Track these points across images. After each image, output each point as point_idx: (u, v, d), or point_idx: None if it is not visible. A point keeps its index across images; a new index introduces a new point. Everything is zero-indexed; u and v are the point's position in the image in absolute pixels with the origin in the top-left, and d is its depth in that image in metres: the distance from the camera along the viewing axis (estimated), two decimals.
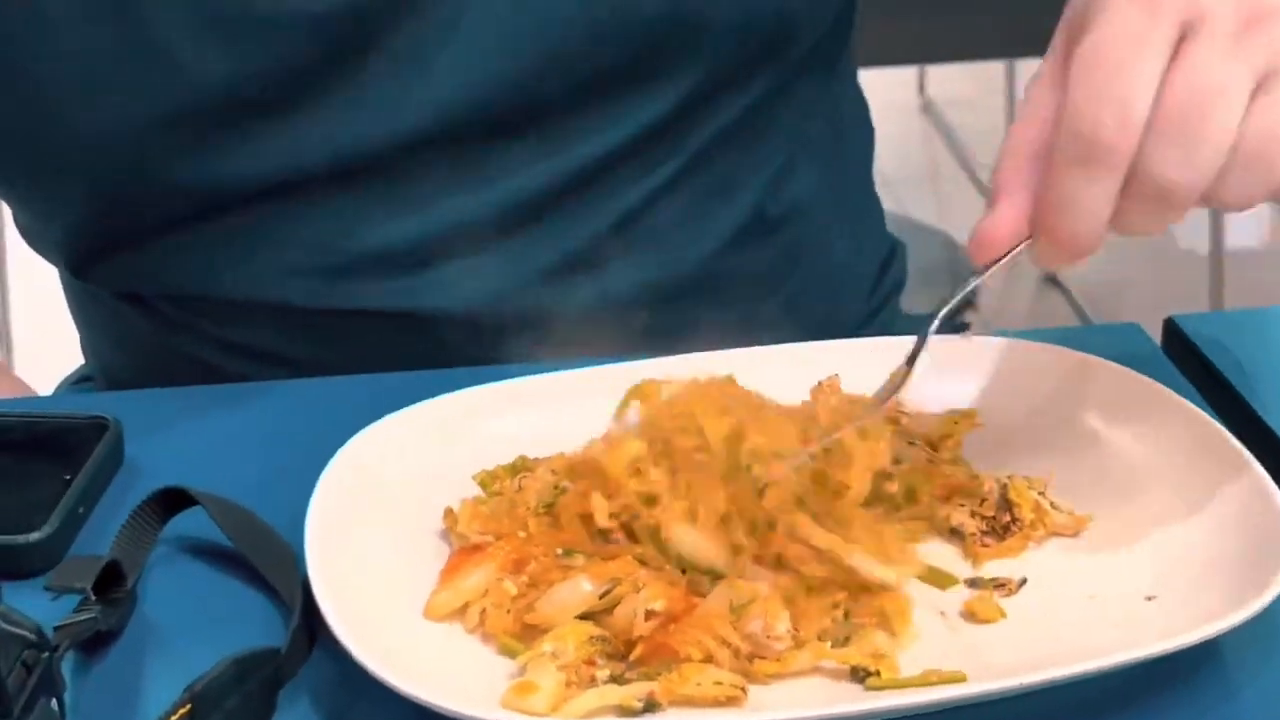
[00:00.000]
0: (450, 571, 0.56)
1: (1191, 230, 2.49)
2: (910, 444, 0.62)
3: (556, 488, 0.58)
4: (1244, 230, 2.67)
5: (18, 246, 0.87)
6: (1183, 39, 0.52)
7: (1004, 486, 0.59)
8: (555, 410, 0.64)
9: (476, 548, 0.56)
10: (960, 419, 0.63)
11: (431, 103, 0.73)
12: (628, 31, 0.74)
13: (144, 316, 0.82)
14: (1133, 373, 0.63)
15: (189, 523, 0.59)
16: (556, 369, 0.67)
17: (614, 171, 0.77)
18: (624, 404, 0.62)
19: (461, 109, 0.74)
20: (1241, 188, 0.54)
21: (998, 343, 0.68)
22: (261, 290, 0.78)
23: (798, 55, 0.80)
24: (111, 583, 0.54)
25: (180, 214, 0.76)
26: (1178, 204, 0.53)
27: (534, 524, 0.57)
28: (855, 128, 0.92)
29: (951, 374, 0.65)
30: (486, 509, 0.58)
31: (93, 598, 0.52)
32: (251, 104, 0.73)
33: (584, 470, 0.58)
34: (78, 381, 0.98)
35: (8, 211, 0.85)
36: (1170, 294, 2.46)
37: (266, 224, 0.76)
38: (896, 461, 0.59)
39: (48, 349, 1.25)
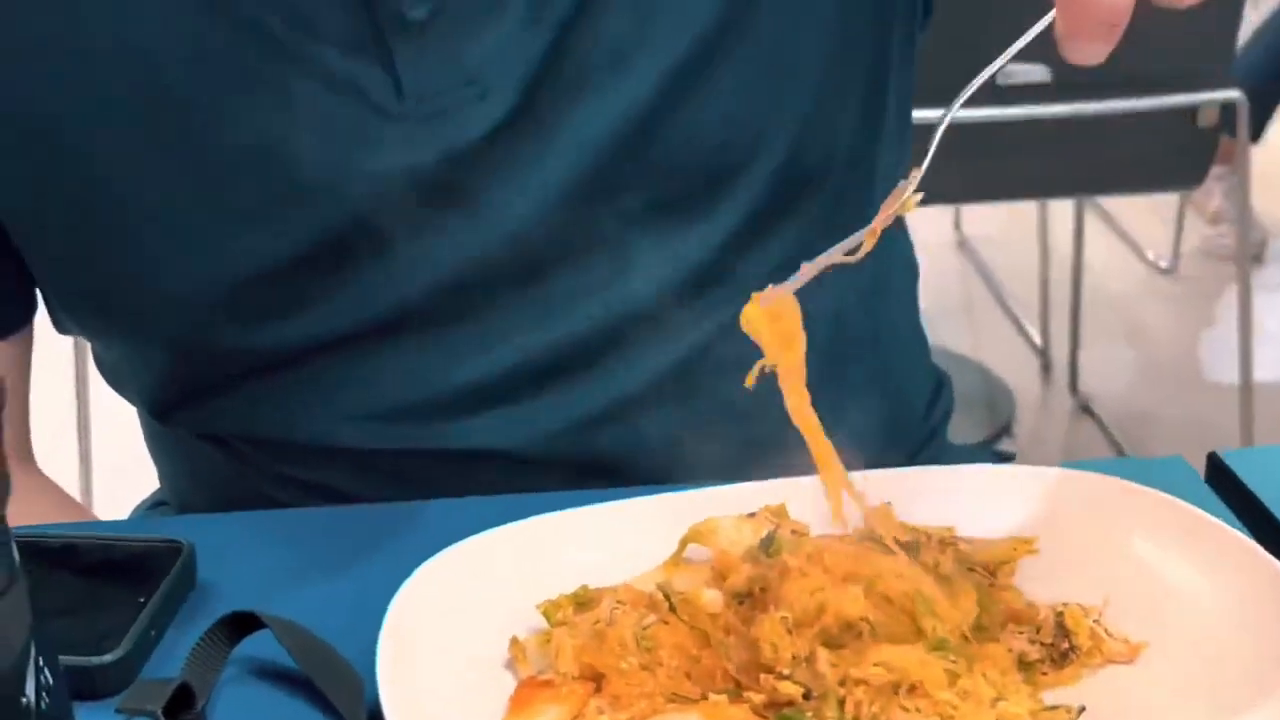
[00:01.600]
0: (519, 705, 0.54)
1: (1220, 363, 2.48)
2: (970, 570, 0.60)
3: (645, 626, 0.56)
4: (1272, 364, 2.65)
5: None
6: None
7: (1059, 614, 0.58)
8: (614, 540, 0.62)
9: (546, 682, 0.55)
10: (1018, 545, 0.62)
11: (500, 246, 0.73)
12: (679, 166, 0.74)
13: (218, 454, 0.82)
14: (1182, 503, 0.62)
15: (258, 646, 0.58)
16: (612, 498, 0.66)
17: (666, 314, 0.76)
18: (683, 543, 0.61)
19: (517, 249, 0.73)
20: None
21: (1046, 472, 0.66)
22: (329, 435, 0.77)
23: (833, 194, 0.80)
24: (182, 705, 0.53)
25: (252, 365, 0.76)
26: None
27: (635, 659, 0.55)
28: (903, 264, 0.92)
29: (1003, 502, 0.64)
30: (577, 643, 0.56)
31: None
32: (326, 262, 0.73)
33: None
34: (153, 506, 0.98)
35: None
36: (1201, 426, 2.44)
37: (333, 373, 0.76)
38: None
39: (126, 473, 1.24)
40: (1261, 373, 2.34)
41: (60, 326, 0.82)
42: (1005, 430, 2.46)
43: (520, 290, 0.75)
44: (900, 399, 0.90)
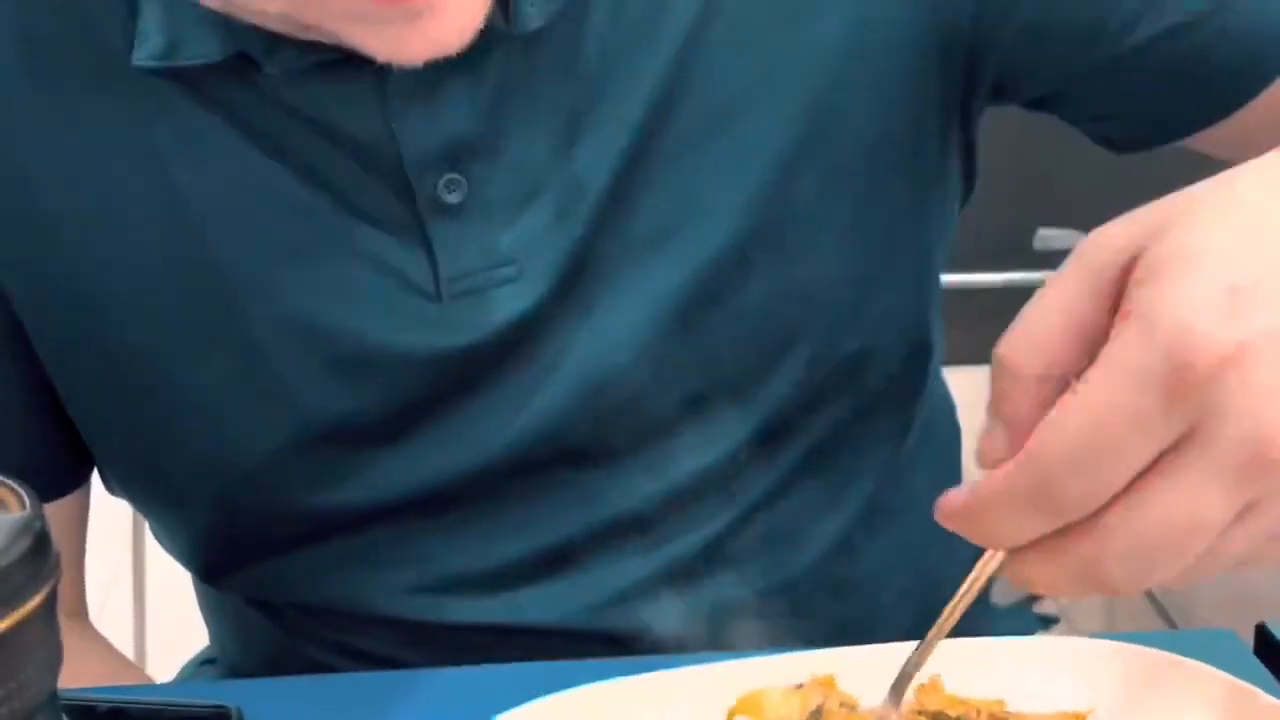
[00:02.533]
0: None
1: None
2: None
3: None
4: None
5: None
6: (1186, 435, 0.43)
7: None
8: (664, 709, 0.60)
9: None
10: (1070, 719, 0.60)
11: (533, 432, 0.73)
12: (718, 357, 0.73)
13: (267, 618, 0.81)
14: (1231, 678, 0.59)
15: None
16: (661, 667, 0.64)
17: (707, 492, 0.75)
18: (731, 715, 0.59)
19: (560, 437, 0.73)
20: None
21: (1099, 644, 0.64)
22: (381, 604, 0.77)
23: (878, 380, 0.79)
24: None
25: (296, 534, 0.76)
26: (1104, 592, 0.46)
27: None
28: (946, 426, 0.90)
29: (1054, 674, 0.62)
30: None
31: None
32: (363, 435, 0.73)
33: None
34: (203, 663, 0.97)
35: None
36: (1248, 595, 2.39)
37: (377, 544, 0.76)
38: None
39: (180, 627, 1.23)
40: None
41: (109, 488, 0.82)
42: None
43: (564, 473, 0.74)
44: (944, 561, 0.88)
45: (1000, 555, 0.49)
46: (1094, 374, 0.44)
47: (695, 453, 0.75)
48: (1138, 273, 0.44)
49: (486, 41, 0.66)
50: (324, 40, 0.64)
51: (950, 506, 0.47)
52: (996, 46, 0.74)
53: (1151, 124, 0.78)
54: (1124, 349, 0.43)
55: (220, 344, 0.71)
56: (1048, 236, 2.07)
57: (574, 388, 0.72)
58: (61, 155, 0.69)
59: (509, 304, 0.71)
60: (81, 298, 0.71)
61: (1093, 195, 2.06)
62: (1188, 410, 0.42)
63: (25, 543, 0.36)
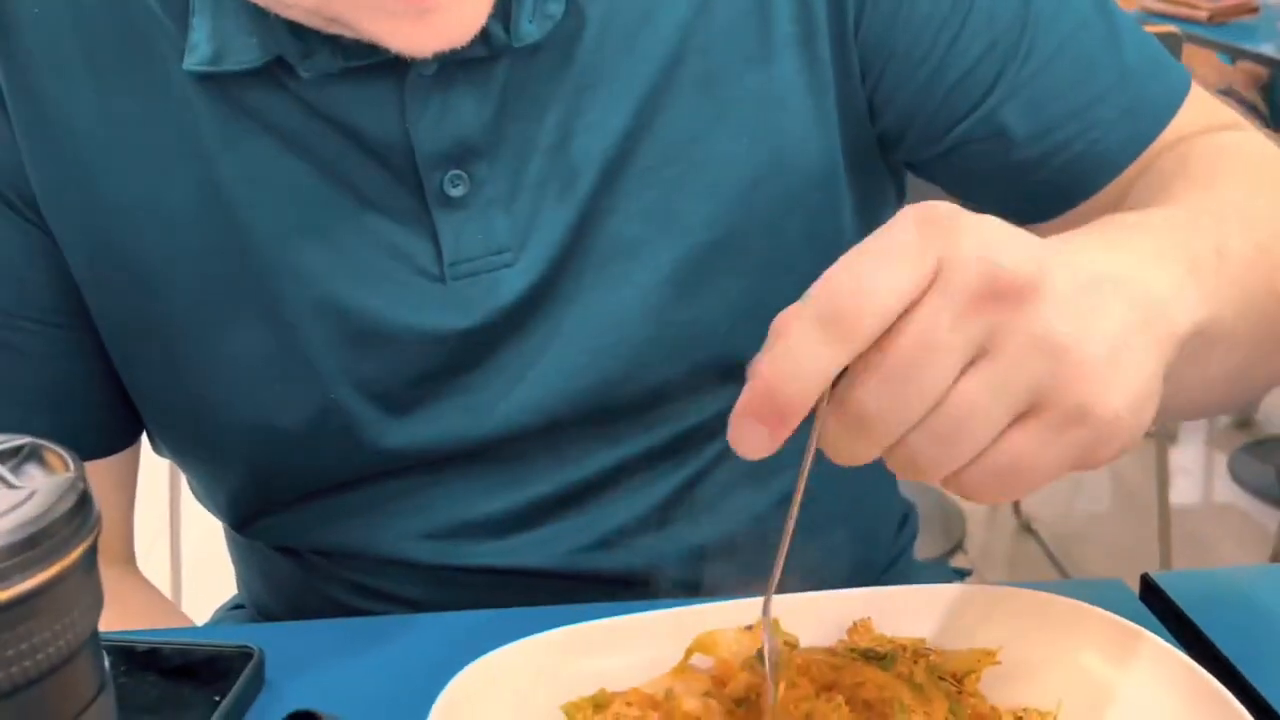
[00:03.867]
0: None
1: (1142, 489, 2.46)
2: (940, 678, 0.58)
3: None
4: (1189, 491, 2.64)
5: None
6: (936, 271, 0.44)
7: (1019, 718, 0.55)
8: (631, 649, 0.60)
9: None
10: (982, 656, 0.59)
11: (531, 402, 0.72)
12: (692, 353, 0.73)
13: (293, 564, 0.80)
14: (1125, 621, 0.59)
15: None
16: (632, 611, 0.64)
17: (685, 450, 0.75)
18: (689, 653, 0.59)
19: (555, 408, 0.73)
20: (937, 460, 0.45)
21: (1007, 591, 0.64)
22: (393, 549, 0.76)
23: None
24: None
25: (317, 487, 0.75)
26: (872, 438, 0.45)
27: None
28: None
29: (969, 618, 0.61)
30: None
31: None
32: (379, 402, 0.72)
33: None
34: (232, 609, 0.96)
35: None
36: (1126, 544, 2.41)
37: (397, 496, 0.75)
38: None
39: (212, 573, 1.23)
40: (1178, 498, 2.32)
41: (155, 448, 0.81)
42: (958, 547, 2.43)
43: (557, 437, 0.73)
44: (872, 525, 0.88)
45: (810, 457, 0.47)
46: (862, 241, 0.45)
47: (683, 415, 0.75)
48: None
49: (492, 53, 0.66)
50: (347, 35, 0.63)
51: (746, 391, 0.46)
52: (880, 104, 0.74)
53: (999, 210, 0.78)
54: (885, 227, 0.45)
55: (255, 319, 0.70)
56: None
57: (565, 365, 0.72)
58: (119, 151, 0.68)
59: (505, 287, 0.70)
60: (135, 277, 0.70)
61: None
62: (936, 244, 0.43)
63: (70, 501, 0.35)
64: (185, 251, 0.70)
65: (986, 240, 0.44)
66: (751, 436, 0.45)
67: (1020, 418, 0.44)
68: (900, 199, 0.82)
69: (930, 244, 0.43)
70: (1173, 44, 1.94)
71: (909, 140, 0.75)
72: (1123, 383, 0.44)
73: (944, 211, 0.44)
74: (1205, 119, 0.74)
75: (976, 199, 0.77)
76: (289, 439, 0.73)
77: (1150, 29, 2.17)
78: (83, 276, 0.71)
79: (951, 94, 0.71)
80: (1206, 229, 0.56)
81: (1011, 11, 0.71)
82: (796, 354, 0.44)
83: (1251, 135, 0.74)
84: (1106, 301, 0.45)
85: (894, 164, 0.80)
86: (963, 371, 0.44)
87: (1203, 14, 2.49)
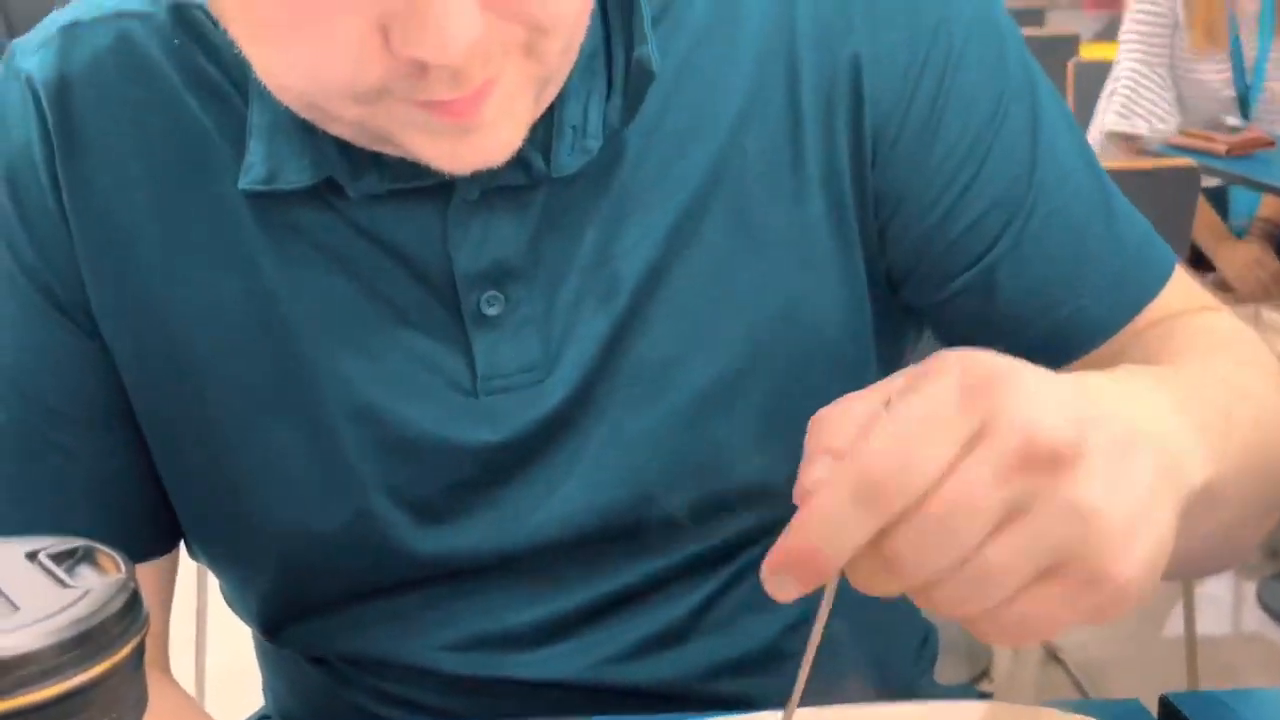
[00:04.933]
0: None
1: (1170, 616, 2.43)
2: None
3: None
4: (1217, 619, 2.60)
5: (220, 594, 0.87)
6: (978, 435, 0.44)
7: None
8: None
9: None
10: None
11: (560, 517, 0.73)
12: (717, 474, 0.74)
13: (321, 672, 0.81)
14: None
15: None
16: None
17: (705, 569, 0.76)
18: None
19: (583, 523, 0.74)
20: (956, 604, 0.45)
21: (1028, 710, 0.64)
22: (421, 658, 0.77)
23: None
24: None
25: (347, 594, 0.76)
26: (900, 580, 0.45)
27: None
28: None
29: None
30: None
31: None
32: (414, 509, 0.73)
33: None
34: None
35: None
36: (1153, 671, 2.37)
37: (427, 605, 0.76)
38: None
39: (238, 685, 1.22)
40: (1204, 627, 2.28)
41: (191, 553, 0.82)
42: (984, 674, 2.39)
43: (578, 553, 0.74)
44: (891, 646, 0.88)
45: (834, 586, 0.47)
46: (902, 398, 0.46)
47: (698, 538, 0.75)
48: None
49: (533, 181, 0.69)
50: (392, 153, 0.65)
51: (779, 546, 0.45)
52: (888, 244, 0.75)
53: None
54: (924, 381, 0.45)
55: (295, 424, 0.72)
56: None
57: (593, 481, 0.73)
58: (173, 262, 0.71)
59: (536, 403, 0.72)
60: (182, 381, 0.72)
61: None
62: (979, 409, 0.44)
63: (120, 600, 0.37)
64: (232, 357, 0.72)
65: (1030, 402, 0.44)
66: (784, 587, 0.46)
67: (1041, 574, 0.45)
68: (920, 329, 0.84)
69: (975, 407, 0.44)
70: (1190, 178, 1.98)
71: (911, 284, 0.76)
72: (1142, 548, 0.45)
73: (988, 371, 0.45)
74: (1187, 298, 0.77)
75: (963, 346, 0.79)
76: (323, 543, 0.74)
77: (1168, 162, 2.21)
78: (132, 380, 0.73)
79: (956, 244, 0.74)
80: (1213, 393, 0.59)
81: (1018, 171, 0.73)
82: (832, 521, 0.44)
83: (1229, 317, 0.77)
84: (1136, 463, 0.46)
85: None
86: (995, 527, 0.45)
87: (1220, 148, 2.52)
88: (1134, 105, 2.84)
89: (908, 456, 0.44)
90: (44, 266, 0.71)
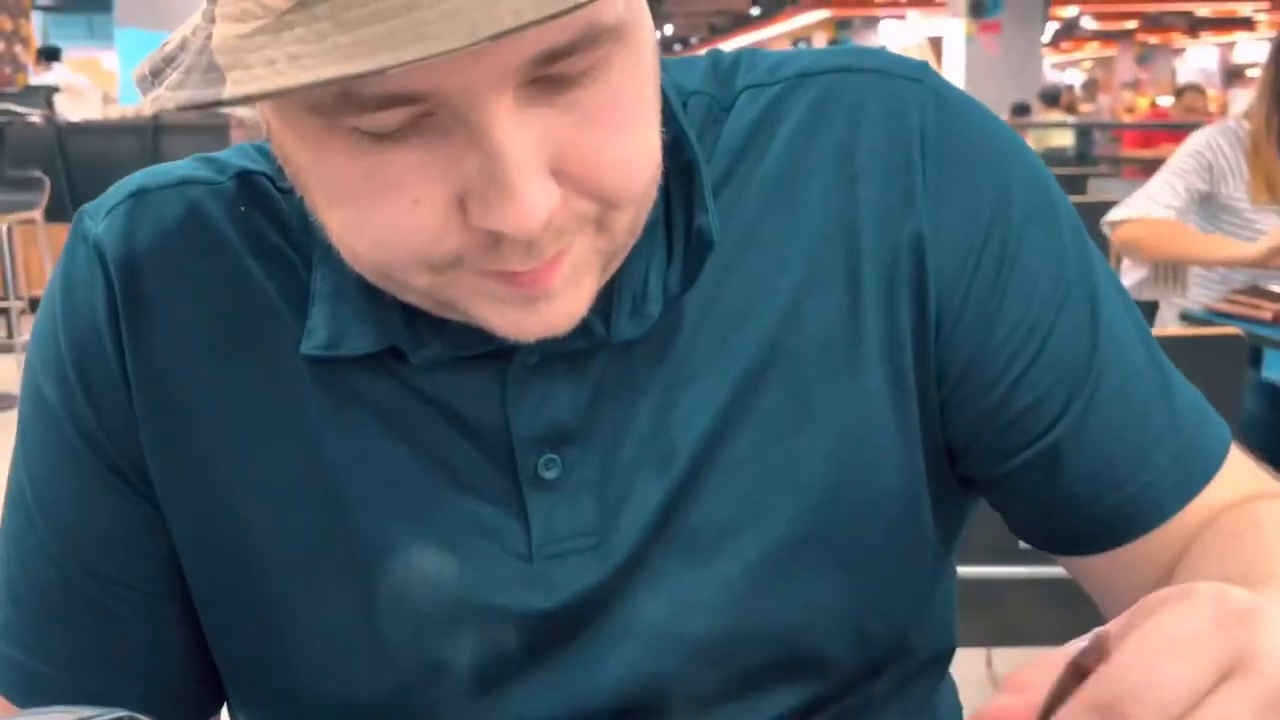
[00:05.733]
0: None
1: None
2: None
3: None
4: None
5: None
6: (1234, 668, 0.44)
7: None
8: None
9: None
10: None
11: (609, 686, 0.72)
12: (771, 645, 0.73)
13: None
14: None
15: None
16: None
17: None
18: None
19: (632, 692, 0.72)
20: None
21: None
22: None
23: (906, 672, 0.78)
24: None
25: None
26: None
27: None
28: (947, 711, 0.88)
29: None
30: None
31: None
32: (462, 679, 0.72)
33: None
34: None
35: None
36: None
37: None
38: None
39: None
40: None
41: (234, 718, 0.81)
42: None
43: None
44: None
45: None
46: (1149, 619, 0.45)
47: (761, 706, 0.73)
48: None
49: (593, 345, 0.69)
50: (456, 319, 0.66)
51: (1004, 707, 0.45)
52: (948, 417, 0.75)
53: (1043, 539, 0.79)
54: (1175, 605, 0.46)
55: (347, 593, 0.71)
56: None
57: (644, 650, 0.71)
58: (232, 429, 0.71)
59: (588, 570, 0.71)
60: (236, 548, 0.72)
61: None
62: (1236, 641, 0.44)
63: None
64: (286, 525, 0.71)
65: None
66: None
67: None
68: (971, 506, 0.83)
69: (1231, 638, 0.44)
70: (1239, 346, 1.97)
71: (970, 458, 0.76)
72: None
73: (1245, 605, 0.45)
74: (1249, 476, 0.76)
75: (1022, 524, 0.78)
76: (370, 712, 0.72)
77: (1215, 330, 2.21)
78: (185, 546, 0.73)
79: (1016, 422, 0.73)
80: None
81: (1080, 351, 0.73)
82: None
83: None
84: None
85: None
86: None
87: (1267, 314, 2.52)
88: (1135, 200, 2.87)
89: (1161, 673, 0.43)
90: (104, 434, 0.72)
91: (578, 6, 0.48)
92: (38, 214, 6.04)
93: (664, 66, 0.71)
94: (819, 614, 0.72)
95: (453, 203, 0.58)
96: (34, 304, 7.14)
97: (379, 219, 0.59)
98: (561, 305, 0.62)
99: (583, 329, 0.66)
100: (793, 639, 0.73)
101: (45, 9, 17.45)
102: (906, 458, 0.74)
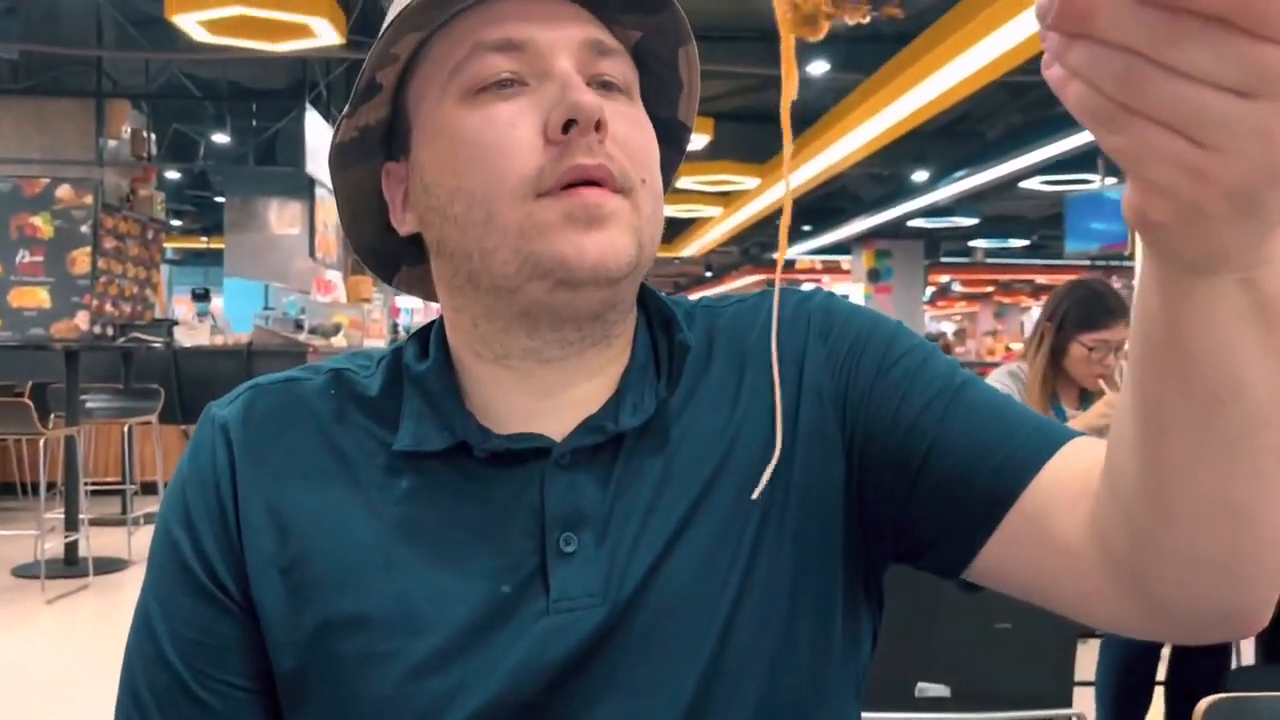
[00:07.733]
0: None
1: None
2: None
3: None
4: None
5: None
6: None
7: None
8: None
9: None
10: None
11: None
12: (741, 696, 0.71)
13: None
14: None
15: None
16: None
17: None
18: None
19: None
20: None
21: None
22: None
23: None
24: None
25: None
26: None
27: None
28: None
29: None
30: None
31: None
32: None
33: None
34: None
35: None
36: None
37: None
38: None
39: None
40: None
41: None
42: None
43: None
44: None
45: None
46: None
47: None
48: None
49: (605, 440, 0.73)
50: (518, 433, 0.72)
51: None
52: (864, 459, 0.74)
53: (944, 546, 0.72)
54: None
55: (405, 661, 0.70)
56: (923, 687, 1.99)
57: (645, 699, 0.70)
58: (326, 535, 0.72)
59: (586, 625, 0.70)
60: (319, 641, 0.70)
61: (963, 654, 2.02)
62: None
63: None
64: (360, 608, 0.71)
65: None
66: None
67: None
68: (879, 611, 0.80)
69: None
70: None
71: (882, 492, 0.74)
72: None
73: None
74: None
75: (938, 533, 0.71)
76: None
77: None
78: (275, 642, 0.72)
79: (905, 441, 0.72)
80: None
81: (943, 380, 0.74)
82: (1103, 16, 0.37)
83: None
84: None
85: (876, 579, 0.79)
86: None
87: None
88: None
89: None
90: (217, 555, 0.72)
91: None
92: (153, 418, 6.08)
93: None
94: (772, 668, 0.71)
95: (538, 129, 0.67)
96: (145, 487, 7.09)
97: (490, 142, 0.67)
98: (608, 238, 0.68)
99: (598, 428, 0.72)
100: (760, 688, 0.71)
101: (172, 263, 18.15)
102: (847, 539, 0.74)
